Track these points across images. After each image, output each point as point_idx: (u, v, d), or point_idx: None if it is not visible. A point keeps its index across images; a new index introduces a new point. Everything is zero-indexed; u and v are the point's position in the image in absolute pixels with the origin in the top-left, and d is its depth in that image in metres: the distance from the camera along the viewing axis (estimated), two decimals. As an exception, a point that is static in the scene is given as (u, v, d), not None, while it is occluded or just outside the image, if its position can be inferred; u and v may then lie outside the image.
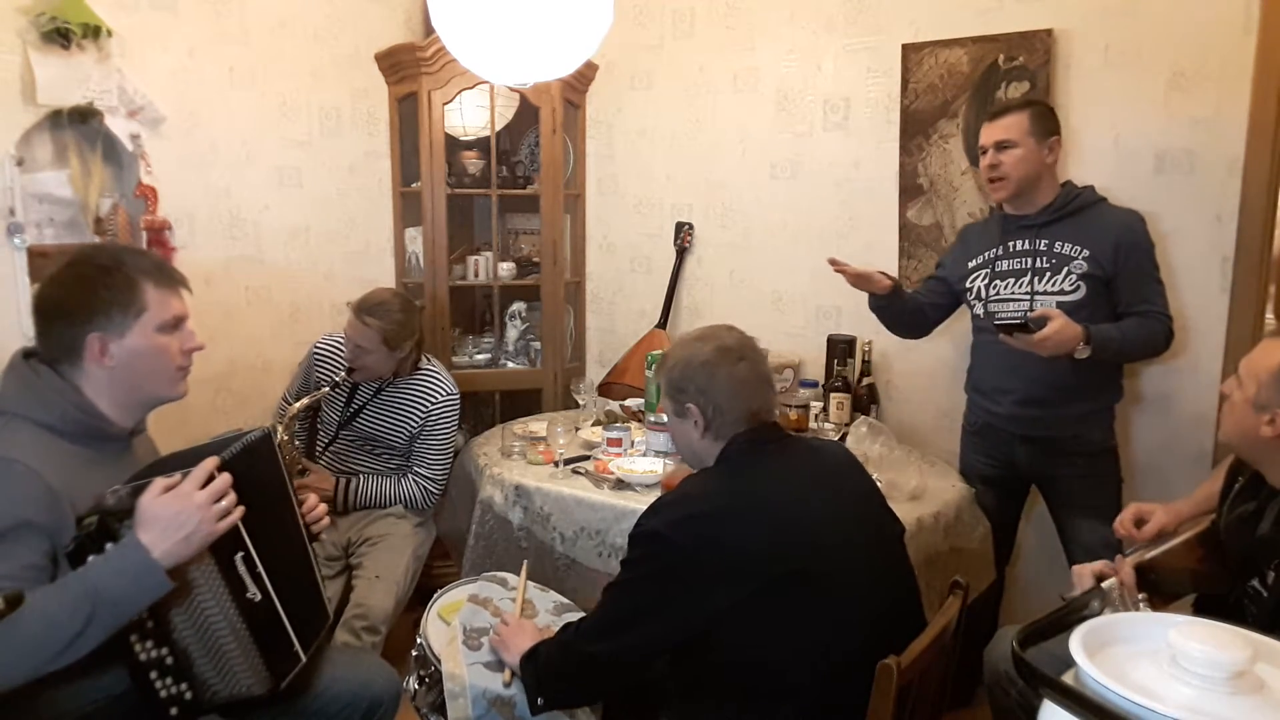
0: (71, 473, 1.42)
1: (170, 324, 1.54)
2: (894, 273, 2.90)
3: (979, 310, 2.39)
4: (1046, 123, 2.24)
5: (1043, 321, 2.04)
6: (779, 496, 1.52)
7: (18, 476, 1.35)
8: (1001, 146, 2.23)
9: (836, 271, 2.43)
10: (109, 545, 1.34)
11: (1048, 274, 2.24)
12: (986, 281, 2.35)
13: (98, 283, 1.49)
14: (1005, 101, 2.45)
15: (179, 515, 1.33)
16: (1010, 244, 2.31)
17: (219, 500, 1.38)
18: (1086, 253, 2.20)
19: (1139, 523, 1.89)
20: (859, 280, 2.44)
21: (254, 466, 1.50)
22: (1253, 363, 1.56)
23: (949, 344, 2.81)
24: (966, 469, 2.51)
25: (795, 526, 1.48)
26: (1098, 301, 2.19)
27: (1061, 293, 2.21)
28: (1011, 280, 2.30)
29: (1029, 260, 2.27)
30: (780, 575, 1.43)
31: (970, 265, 2.40)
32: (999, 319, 2.20)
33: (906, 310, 2.52)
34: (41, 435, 1.43)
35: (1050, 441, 2.31)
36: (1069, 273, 2.21)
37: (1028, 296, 2.25)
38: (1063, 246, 2.23)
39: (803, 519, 1.50)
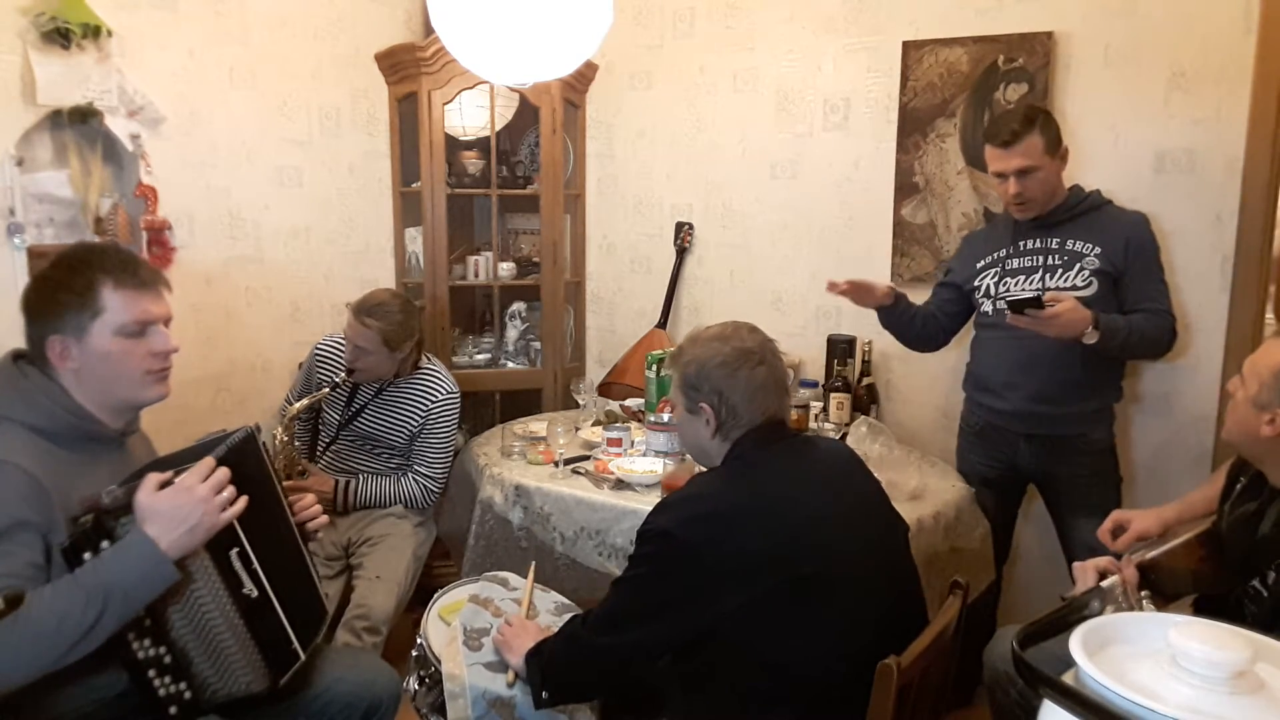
0: (63, 476, 1.42)
1: (132, 327, 1.50)
2: (887, 271, 2.92)
3: (987, 307, 2.38)
4: (1055, 134, 2.22)
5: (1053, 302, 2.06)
6: (787, 497, 1.52)
7: (9, 476, 1.35)
8: (1023, 173, 2.20)
9: (834, 294, 2.41)
10: (104, 543, 1.34)
11: (1060, 270, 2.25)
12: (996, 279, 2.35)
13: (58, 284, 1.48)
14: (1009, 124, 2.20)
15: (182, 508, 1.35)
16: (1021, 243, 2.32)
17: (220, 492, 1.40)
18: (1098, 250, 2.22)
19: (1118, 531, 1.89)
20: (858, 293, 2.43)
21: (242, 464, 1.50)
22: (1255, 362, 1.56)
23: (949, 345, 2.80)
24: (964, 469, 2.51)
25: (803, 527, 1.48)
26: (1108, 298, 2.21)
27: (1074, 288, 2.22)
28: (1022, 277, 2.31)
29: (1041, 258, 2.29)
30: (788, 576, 1.43)
31: (979, 265, 2.40)
32: (1011, 298, 2.19)
33: (916, 321, 2.50)
34: (32, 438, 1.43)
35: (1055, 440, 2.31)
36: (1081, 269, 2.22)
37: (1039, 293, 2.24)
38: (1074, 244, 2.25)
39: (811, 520, 1.49)
